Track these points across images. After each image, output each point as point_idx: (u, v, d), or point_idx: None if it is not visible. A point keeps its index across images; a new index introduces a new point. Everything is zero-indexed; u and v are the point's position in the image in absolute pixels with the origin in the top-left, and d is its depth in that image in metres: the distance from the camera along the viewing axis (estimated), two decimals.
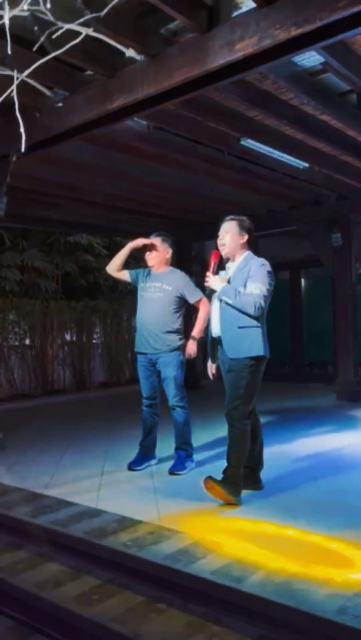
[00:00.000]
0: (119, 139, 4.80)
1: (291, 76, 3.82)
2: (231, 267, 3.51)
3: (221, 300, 3.37)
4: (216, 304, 3.44)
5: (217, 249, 3.51)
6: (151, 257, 4.21)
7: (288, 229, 8.48)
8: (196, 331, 4.10)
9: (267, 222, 8.13)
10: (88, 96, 3.73)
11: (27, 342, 9.23)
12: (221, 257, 3.50)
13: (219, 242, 3.51)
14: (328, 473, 3.88)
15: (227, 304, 3.31)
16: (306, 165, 5.89)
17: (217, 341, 3.46)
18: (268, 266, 3.37)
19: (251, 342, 3.28)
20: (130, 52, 3.37)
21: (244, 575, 2.30)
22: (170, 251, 4.28)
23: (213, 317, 3.49)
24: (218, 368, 3.54)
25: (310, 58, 3.76)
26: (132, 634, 2.07)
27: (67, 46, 3.23)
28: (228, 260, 3.55)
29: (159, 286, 4.14)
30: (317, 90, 4.17)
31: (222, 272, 3.51)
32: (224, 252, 3.50)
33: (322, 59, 3.75)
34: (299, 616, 2.01)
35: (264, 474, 3.57)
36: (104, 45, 3.28)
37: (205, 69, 3.09)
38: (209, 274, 3.41)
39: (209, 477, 3.25)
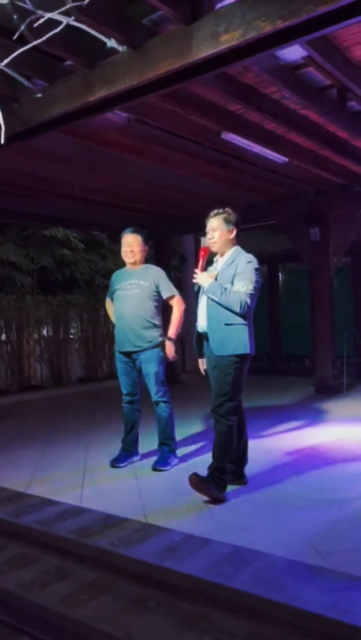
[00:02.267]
0: (99, 131, 4.72)
1: (273, 69, 3.80)
2: (219, 261, 3.49)
3: (208, 297, 3.35)
4: (203, 299, 3.42)
5: (196, 243, 3.49)
6: (131, 255, 4.16)
7: (267, 224, 8.51)
8: (172, 332, 4.07)
9: (246, 216, 8.07)
10: (69, 87, 3.65)
11: (3, 337, 9.08)
12: (209, 252, 3.48)
13: (209, 240, 3.48)
14: (311, 467, 3.90)
15: (213, 301, 3.29)
16: (286, 159, 5.89)
17: (203, 336, 3.45)
18: (255, 263, 3.36)
19: (238, 340, 3.28)
20: (112, 43, 3.29)
21: (233, 572, 2.29)
22: (147, 247, 4.25)
23: (199, 312, 3.47)
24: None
25: (293, 52, 3.74)
26: (123, 635, 2.04)
27: (48, 35, 3.16)
28: (215, 255, 3.53)
29: (135, 282, 4.10)
30: (298, 84, 4.16)
31: (210, 268, 3.49)
32: (214, 249, 3.48)
33: (304, 53, 3.74)
34: (290, 612, 2.01)
35: (248, 469, 3.57)
36: (85, 35, 3.19)
37: (189, 61, 3.04)
38: (197, 270, 3.39)
39: (195, 474, 3.23)
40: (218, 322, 3.31)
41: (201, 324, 3.43)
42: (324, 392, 7.34)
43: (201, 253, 3.46)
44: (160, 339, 4.07)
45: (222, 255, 3.48)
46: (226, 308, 3.25)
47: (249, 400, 6.24)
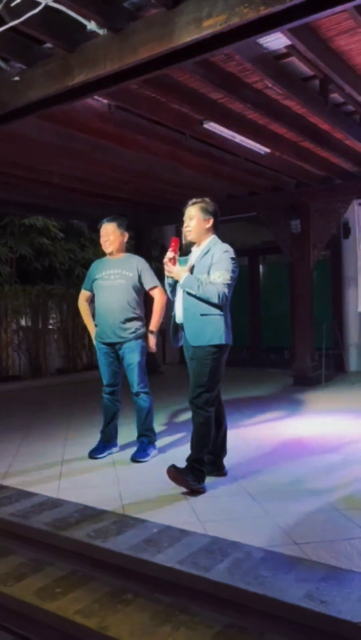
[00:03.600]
0: (79, 117, 4.64)
1: (256, 58, 3.76)
2: (195, 251, 3.45)
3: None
4: (180, 290, 3.38)
5: (177, 234, 3.44)
6: (107, 245, 4.09)
7: (247, 215, 8.50)
8: (153, 324, 4.03)
9: (227, 207, 8.08)
10: (47, 70, 3.55)
11: None
12: (180, 243, 3.43)
13: (184, 228, 3.44)
14: (289, 458, 3.92)
15: (189, 294, 3.26)
16: (268, 150, 5.87)
17: (180, 327, 3.42)
18: (231, 252, 3.32)
19: (213, 330, 3.25)
20: (92, 26, 3.22)
21: (211, 563, 2.28)
22: (126, 235, 4.17)
23: (176, 303, 3.44)
24: (181, 353, 3.50)
25: (276, 40, 3.70)
26: (98, 627, 2.02)
27: (26, 16, 3.08)
28: (192, 245, 3.49)
29: (119, 272, 4.04)
30: (281, 74, 4.12)
31: (181, 260, 3.43)
32: (190, 237, 3.43)
33: (287, 42, 3.71)
34: (267, 603, 2.01)
35: (227, 460, 3.57)
36: (64, 17, 3.12)
37: (171, 46, 2.98)
38: (166, 261, 3.33)
39: (172, 466, 3.21)
40: (193, 313, 3.28)
41: (178, 314, 3.40)
42: (303, 384, 7.39)
43: (172, 243, 3.39)
44: (143, 329, 4.03)
45: (198, 245, 3.44)
46: (204, 300, 3.22)
47: (229, 392, 6.28)
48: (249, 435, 4.64)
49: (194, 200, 3.46)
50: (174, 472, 3.19)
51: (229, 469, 3.55)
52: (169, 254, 3.36)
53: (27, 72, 3.67)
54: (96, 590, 2.25)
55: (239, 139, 5.46)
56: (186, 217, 3.44)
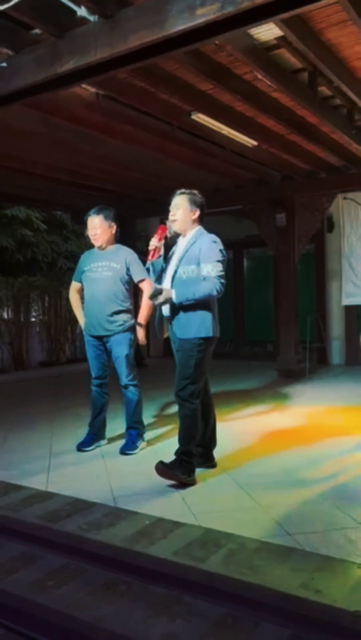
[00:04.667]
0: (66, 106, 4.57)
1: (247, 49, 3.74)
2: (181, 242, 3.41)
3: (173, 278, 3.27)
4: (166, 281, 3.33)
5: (163, 224, 3.39)
6: (95, 238, 4.04)
7: (232, 208, 8.49)
8: (142, 317, 4.00)
9: (213, 200, 8.04)
10: (35, 57, 3.49)
11: None
12: (166, 232, 3.39)
13: (170, 217, 3.40)
14: (277, 450, 3.93)
15: (187, 300, 3.18)
16: (255, 143, 5.87)
17: (166, 319, 3.39)
18: (220, 243, 3.30)
19: (200, 323, 3.23)
20: (82, 11, 3.16)
21: (205, 554, 2.29)
22: (114, 226, 4.12)
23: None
24: (168, 345, 3.47)
25: (267, 31, 3.68)
26: (93, 619, 2.01)
27: (14, 1, 3.01)
28: (177, 236, 3.45)
29: (107, 265, 3.99)
30: (271, 65, 4.11)
31: (156, 262, 3.38)
32: (175, 227, 3.39)
33: (278, 34, 3.69)
34: (263, 593, 2.01)
35: (216, 453, 3.57)
36: (54, 2, 3.06)
37: (163, 35, 2.95)
38: (153, 243, 3.31)
39: (160, 463, 3.17)
40: (180, 306, 3.23)
41: (165, 307, 3.36)
42: (287, 377, 7.43)
43: (159, 231, 3.36)
44: (131, 322, 4.00)
45: (184, 235, 3.40)
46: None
47: (215, 385, 6.27)
48: (238, 427, 4.66)
49: (182, 190, 3.43)
50: (162, 468, 3.15)
51: (219, 460, 3.56)
52: (154, 241, 3.32)
53: (15, 59, 3.60)
54: (90, 582, 2.23)
55: (226, 130, 5.44)
56: (172, 207, 3.39)
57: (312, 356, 8.09)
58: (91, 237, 4.05)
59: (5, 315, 9.54)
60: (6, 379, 8.19)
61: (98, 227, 4.00)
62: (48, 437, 4.42)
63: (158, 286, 3.31)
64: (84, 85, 4.25)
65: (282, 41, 3.86)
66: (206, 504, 2.90)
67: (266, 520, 2.66)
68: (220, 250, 3.26)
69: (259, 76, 4.22)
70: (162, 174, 6.91)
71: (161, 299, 3.22)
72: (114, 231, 4.11)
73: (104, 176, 7.11)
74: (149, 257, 3.38)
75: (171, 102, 4.76)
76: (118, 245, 4.15)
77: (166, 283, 3.35)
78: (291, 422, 4.90)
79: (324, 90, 4.75)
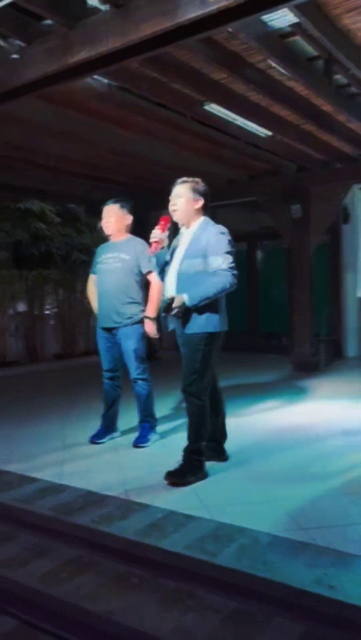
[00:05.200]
0: (78, 98, 4.54)
1: (261, 36, 3.67)
2: (185, 234, 3.27)
3: (178, 273, 3.15)
4: (171, 272, 3.21)
5: (166, 214, 3.24)
6: (107, 226, 4.01)
7: (246, 200, 8.42)
8: (150, 310, 3.92)
9: (227, 192, 8.03)
10: (47, 48, 3.47)
11: None
12: (172, 222, 3.25)
13: (170, 207, 3.25)
14: (292, 444, 3.90)
15: (202, 301, 3.05)
16: (269, 133, 5.79)
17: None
18: (228, 234, 3.17)
19: (207, 317, 3.10)
20: (93, 1, 3.15)
21: (217, 548, 2.27)
22: (129, 218, 4.08)
23: (167, 286, 3.25)
24: (174, 338, 3.37)
25: (281, 18, 3.61)
26: (104, 612, 2.00)
27: None
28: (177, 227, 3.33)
29: (117, 256, 3.97)
30: (286, 53, 4.04)
31: (159, 254, 3.25)
32: (176, 217, 3.24)
33: (292, 20, 3.62)
34: (276, 588, 2.00)
35: (228, 446, 3.55)
36: None
37: (176, 22, 2.90)
38: (156, 234, 3.16)
39: (169, 475, 3.07)
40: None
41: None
42: (302, 370, 7.38)
43: (161, 222, 3.21)
44: (141, 315, 3.96)
45: (188, 226, 3.26)
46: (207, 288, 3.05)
47: (229, 378, 6.26)
48: (252, 421, 4.63)
49: (183, 179, 3.29)
50: (172, 479, 3.06)
51: (232, 454, 3.53)
52: (156, 232, 3.17)
53: (27, 50, 3.58)
54: (102, 575, 2.23)
55: (240, 121, 5.38)
56: (173, 196, 3.25)
57: (327, 349, 8.01)
58: (103, 225, 4.03)
59: (20, 308, 9.60)
60: (21, 372, 8.25)
61: (112, 215, 3.98)
62: (61, 430, 4.44)
63: (166, 297, 3.17)
64: (96, 76, 4.22)
65: (297, 28, 3.78)
66: (218, 498, 2.88)
67: (279, 514, 2.63)
68: (229, 241, 3.13)
69: (274, 64, 4.15)
70: (175, 166, 6.84)
71: (175, 309, 3.04)
72: (128, 222, 4.08)
73: (117, 168, 7.08)
74: (151, 249, 3.26)
75: (183, 93, 4.71)
76: (131, 237, 4.10)
77: (170, 277, 3.22)
78: (307, 415, 4.85)
79: (340, 78, 4.66)
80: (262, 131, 5.70)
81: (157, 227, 3.19)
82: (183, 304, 3.04)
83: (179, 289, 3.12)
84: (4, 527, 2.65)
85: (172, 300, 3.07)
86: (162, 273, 3.34)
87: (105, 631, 1.89)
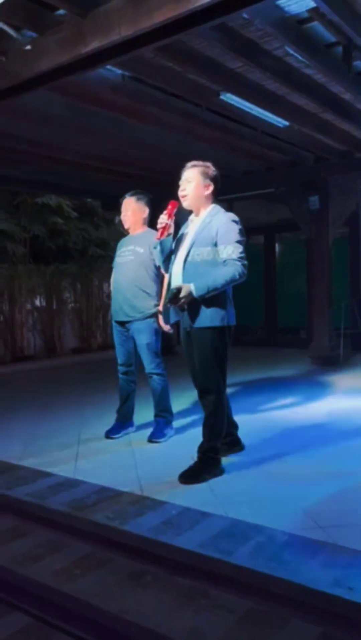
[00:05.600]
0: (92, 89, 4.50)
1: (277, 22, 3.58)
2: (195, 221, 3.16)
3: (185, 262, 3.02)
4: (177, 264, 3.10)
5: (175, 200, 3.13)
6: (126, 219, 3.98)
7: (264, 192, 8.30)
8: (162, 304, 3.82)
9: (243, 184, 7.93)
10: (59, 38, 3.43)
11: None
12: (180, 208, 3.14)
13: (180, 192, 3.13)
14: (311, 440, 3.82)
15: (210, 291, 2.93)
16: (286, 123, 5.69)
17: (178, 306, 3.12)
18: (239, 223, 3.03)
19: (215, 310, 2.99)
20: None
21: (232, 546, 2.22)
22: (147, 210, 4.03)
23: (173, 278, 3.13)
24: (178, 333, 3.31)
25: (298, 3, 3.52)
26: (118, 610, 1.97)
27: None
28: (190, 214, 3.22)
29: (131, 249, 3.93)
30: (303, 39, 3.94)
31: (166, 240, 3.13)
32: (185, 203, 3.13)
33: (310, 5, 3.53)
34: (293, 588, 1.94)
35: (247, 441, 3.49)
36: None
37: (189, 9, 2.84)
38: (163, 220, 3.06)
39: (182, 476, 2.99)
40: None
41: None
42: (321, 364, 7.27)
43: (169, 207, 3.11)
44: (154, 309, 3.91)
45: (197, 214, 3.14)
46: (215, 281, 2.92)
47: (247, 373, 6.20)
48: (270, 416, 4.56)
49: (193, 162, 3.17)
50: (186, 481, 2.97)
51: (249, 450, 3.48)
52: (163, 218, 3.06)
53: (39, 41, 3.55)
54: (115, 572, 2.19)
55: (256, 111, 5.28)
56: (183, 180, 3.14)
57: (346, 343, 7.89)
58: (122, 219, 4.02)
59: (37, 303, 9.64)
60: (38, 366, 8.28)
61: (129, 208, 3.96)
62: (77, 424, 4.42)
63: (173, 287, 3.03)
64: (109, 67, 4.17)
65: (314, 13, 3.69)
66: (234, 494, 2.83)
67: (296, 512, 2.57)
68: (240, 229, 3.00)
69: (291, 51, 4.06)
70: (191, 158, 6.72)
71: (182, 299, 2.92)
72: (145, 215, 4.03)
73: (132, 161, 7.02)
74: (158, 235, 3.17)
75: (199, 82, 4.64)
76: (148, 230, 4.03)
77: (177, 267, 3.11)
78: (326, 411, 4.76)
79: (359, 64, 4.54)
80: (279, 121, 5.60)
81: (164, 212, 3.10)
82: (190, 294, 2.93)
83: (186, 278, 3.01)
84: (18, 522, 2.64)
85: (178, 290, 2.96)
86: (167, 261, 3.23)
87: (117, 630, 1.86)
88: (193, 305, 3.00)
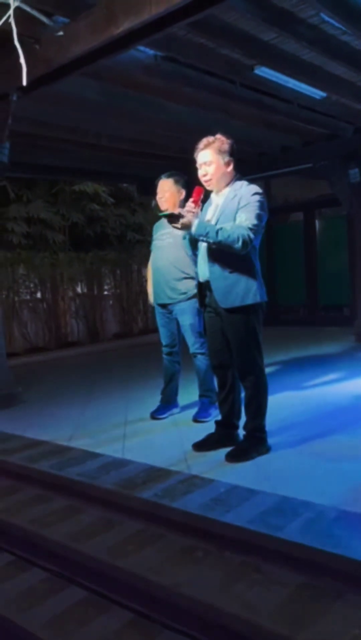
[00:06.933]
0: (125, 72, 4.48)
1: None
2: (216, 199, 3.09)
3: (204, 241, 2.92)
4: (203, 247, 3.05)
5: (200, 186, 3.03)
6: (162, 201, 3.98)
7: (302, 167, 8.11)
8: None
9: (281, 160, 7.77)
10: (91, 22, 3.41)
11: (39, 295, 9.12)
12: (205, 193, 3.05)
13: (202, 177, 3.03)
14: (353, 419, 3.74)
15: (207, 242, 2.86)
16: (324, 95, 5.52)
17: (205, 286, 3.08)
18: (262, 196, 2.93)
19: (245, 288, 2.92)
20: None
21: (282, 523, 2.23)
22: (183, 192, 4.01)
23: (200, 259, 3.09)
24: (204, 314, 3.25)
25: None
26: (171, 584, 2.01)
27: None
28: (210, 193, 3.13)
29: (169, 232, 3.91)
30: (339, 5, 3.79)
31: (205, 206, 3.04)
32: (209, 186, 3.04)
33: None
34: (344, 562, 1.93)
35: (291, 419, 3.47)
36: None
37: None
38: (186, 210, 2.90)
39: (229, 456, 3.00)
40: (221, 271, 2.93)
41: (202, 272, 3.05)
42: None
43: (194, 194, 2.98)
44: (195, 290, 3.91)
45: (219, 191, 3.04)
46: (226, 251, 2.86)
47: (288, 352, 6.14)
48: (312, 395, 4.52)
49: (205, 141, 3.02)
50: (235, 460, 2.98)
51: (294, 428, 3.46)
52: (191, 206, 2.94)
53: (71, 26, 3.55)
54: (167, 548, 2.24)
55: (292, 83, 5.14)
56: (200, 163, 3.01)
57: None
58: (158, 200, 4.01)
59: (79, 289, 9.79)
60: (82, 351, 8.45)
61: (167, 190, 3.94)
62: (123, 406, 4.50)
63: (180, 210, 2.93)
64: (141, 48, 4.14)
65: None
66: (281, 471, 2.83)
67: (343, 489, 2.55)
68: (260, 202, 2.89)
69: (327, 18, 3.92)
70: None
71: (179, 224, 2.86)
72: (182, 197, 4.01)
73: (167, 143, 6.97)
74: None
75: (232, 57, 4.55)
76: None
77: (201, 247, 3.08)
78: None
79: None
80: (316, 92, 5.43)
81: (190, 200, 3.02)
82: (189, 225, 2.85)
83: (212, 256, 2.96)
84: (71, 501, 2.72)
85: (179, 215, 2.87)
86: (195, 248, 3.23)
87: (172, 603, 1.90)
88: (220, 282, 2.95)
